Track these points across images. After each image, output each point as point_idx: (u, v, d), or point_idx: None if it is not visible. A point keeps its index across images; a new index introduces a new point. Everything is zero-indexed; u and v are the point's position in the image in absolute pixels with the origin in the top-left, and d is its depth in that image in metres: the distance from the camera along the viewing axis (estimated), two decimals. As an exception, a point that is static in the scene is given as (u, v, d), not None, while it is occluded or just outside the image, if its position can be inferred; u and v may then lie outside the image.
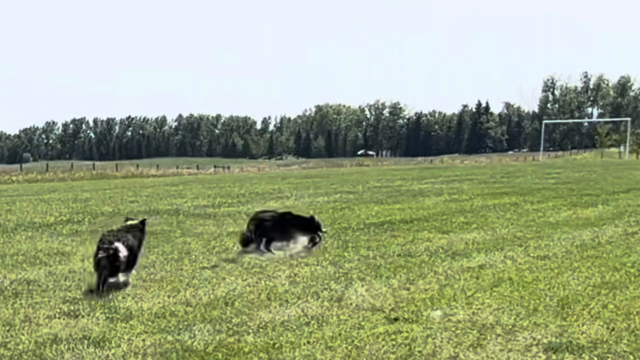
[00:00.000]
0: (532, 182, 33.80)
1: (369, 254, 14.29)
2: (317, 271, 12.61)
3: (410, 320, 9.36)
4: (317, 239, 15.12)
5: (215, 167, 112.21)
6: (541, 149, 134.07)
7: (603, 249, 14.40)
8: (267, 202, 26.42)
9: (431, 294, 10.82)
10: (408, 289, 11.14)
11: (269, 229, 14.58)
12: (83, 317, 9.66)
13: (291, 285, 11.55)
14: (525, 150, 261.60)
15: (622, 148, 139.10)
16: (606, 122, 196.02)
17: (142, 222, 12.51)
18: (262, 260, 13.53)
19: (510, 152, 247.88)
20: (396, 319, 9.40)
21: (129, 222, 12.40)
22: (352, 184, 35.11)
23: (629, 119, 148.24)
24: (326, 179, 42.95)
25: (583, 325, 9.06)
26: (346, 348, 8.20)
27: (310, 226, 15.18)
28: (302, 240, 15.06)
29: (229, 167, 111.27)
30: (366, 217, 20.67)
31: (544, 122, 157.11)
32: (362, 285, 11.37)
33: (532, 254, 13.93)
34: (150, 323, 9.33)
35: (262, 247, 14.32)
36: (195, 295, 11.01)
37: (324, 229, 15.40)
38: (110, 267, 11.08)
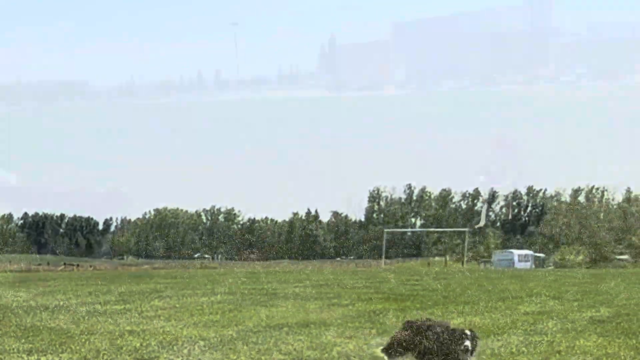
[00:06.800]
0: (401, 287, 33.29)
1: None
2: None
3: None
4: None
5: (64, 264, 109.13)
6: (383, 256, 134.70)
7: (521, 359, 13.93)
8: (152, 302, 25.39)
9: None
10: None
11: None
12: None
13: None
14: (352, 257, 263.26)
15: (447, 257, 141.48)
16: (430, 232, 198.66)
17: None
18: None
19: (338, 259, 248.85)
20: None
21: None
22: (223, 285, 34.11)
23: (467, 229, 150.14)
24: (194, 279, 41.78)
25: None
26: None
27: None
28: None
29: (77, 265, 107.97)
30: (259, 319, 19.91)
31: (385, 230, 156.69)
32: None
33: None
34: None
35: None
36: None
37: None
38: None
